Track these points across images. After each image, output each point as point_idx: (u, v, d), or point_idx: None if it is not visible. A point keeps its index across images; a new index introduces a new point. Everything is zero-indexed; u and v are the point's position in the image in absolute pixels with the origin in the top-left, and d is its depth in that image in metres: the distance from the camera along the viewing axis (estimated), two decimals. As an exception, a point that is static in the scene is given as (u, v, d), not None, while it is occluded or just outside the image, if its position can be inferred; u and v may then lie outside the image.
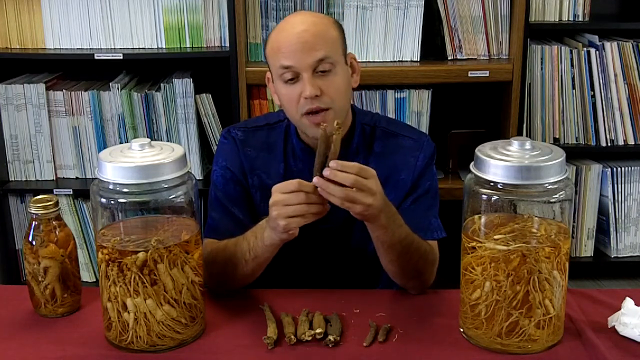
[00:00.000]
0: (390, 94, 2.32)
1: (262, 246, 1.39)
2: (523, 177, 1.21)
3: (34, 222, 1.39)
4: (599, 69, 2.33)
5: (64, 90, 2.38)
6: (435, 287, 1.53)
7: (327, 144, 1.29)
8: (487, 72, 2.26)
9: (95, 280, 2.44)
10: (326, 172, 1.28)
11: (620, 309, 1.34)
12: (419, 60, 2.32)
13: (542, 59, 2.34)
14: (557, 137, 2.39)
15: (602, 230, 2.47)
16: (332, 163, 1.28)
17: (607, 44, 2.32)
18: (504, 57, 2.35)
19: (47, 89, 2.37)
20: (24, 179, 2.44)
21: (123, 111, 2.35)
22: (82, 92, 2.37)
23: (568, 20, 2.41)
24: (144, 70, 2.52)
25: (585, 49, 2.33)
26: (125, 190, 1.25)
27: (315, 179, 1.29)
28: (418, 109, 2.33)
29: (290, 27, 1.48)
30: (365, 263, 1.62)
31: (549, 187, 1.24)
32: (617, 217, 2.42)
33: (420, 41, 2.32)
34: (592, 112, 2.36)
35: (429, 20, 2.36)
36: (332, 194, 1.28)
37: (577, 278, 2.44)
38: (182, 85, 2.32)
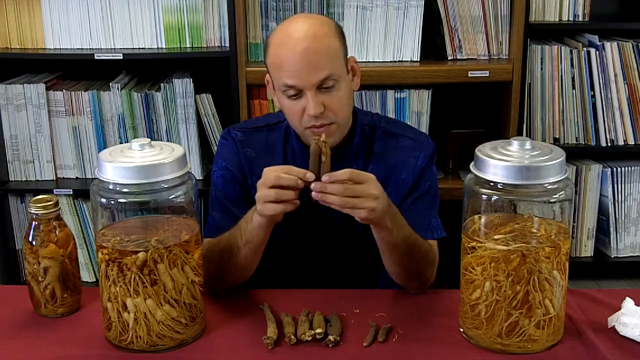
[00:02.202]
0: (390, 94, 2.32)
1: (250, 229, 1.40)
2: (523, 177, 1.21)
3: (34, 222, 1.39)
4: (599, 69, 2.33)
5: (64, 90, 2.37)
6: (435, 287, 1.53)
7: (320, 157, 1.30)
8: (487, 72, 2.26)
9: (95, 280, 2.44)
10: (317, 185, 1.29)
11: (620, 309, 1.34)
12: (419, 60, 2.32)
13: (542, 59, 2.34)
14: (557, 137, 2.38)
15: (602, 230, 2.47)
16: (324, 177, 1.29)
17: (607, 44, 2.32)
18: (504, 57, 2.35)
19: (47, 89, 2.37)
20: (24, 179, 2.44)
21: (123, 111, 2.35)
22: (82, 92, 2.37)
23: (568, 20, 2.41)
24: (144, 70, 2.52)
25: (585, 49, 2.33)
26: (125, 190, 1.25)
27: (314, 194, 1.30)
28: (418, 109, 2.33)
29: (293, 43, 1.43)
30: (365, 263, 1.62)
31: (549, 187, 1.24)
32: (617, 217, 2.42)
33: (420, 41, 2.31)
34: (592, 112, 2.36)
35: (429, 20, 2.36)
36: (331, 203, 1.29)
37: (577, 278, 2.44)
38: (182, 85, 2.32)
